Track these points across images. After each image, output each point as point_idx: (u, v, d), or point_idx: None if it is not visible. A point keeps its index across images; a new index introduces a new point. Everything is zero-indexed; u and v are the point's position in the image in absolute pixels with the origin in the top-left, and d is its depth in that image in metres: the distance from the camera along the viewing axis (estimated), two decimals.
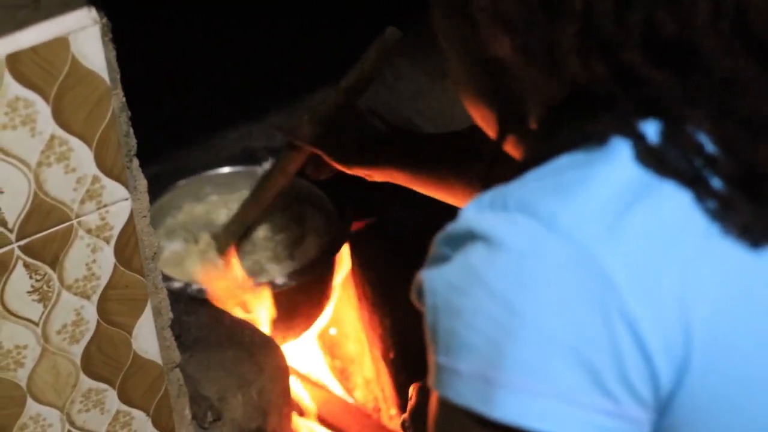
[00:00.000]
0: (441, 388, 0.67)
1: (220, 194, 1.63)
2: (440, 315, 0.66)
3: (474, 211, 0.66)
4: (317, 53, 1.72)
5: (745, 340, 0.65)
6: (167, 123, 1.46)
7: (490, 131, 0.79)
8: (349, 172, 1.31)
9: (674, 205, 0.65)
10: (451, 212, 0.69)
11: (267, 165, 1.65)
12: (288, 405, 1.41)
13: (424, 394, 0.98)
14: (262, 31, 1.69)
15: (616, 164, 0.65)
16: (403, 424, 1.02)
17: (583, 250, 0.62)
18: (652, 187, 0.65)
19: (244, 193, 1.57)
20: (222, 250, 1.52)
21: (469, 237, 0.65)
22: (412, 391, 0.97)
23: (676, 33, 0.66)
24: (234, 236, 1.53)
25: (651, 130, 0.67)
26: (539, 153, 0.69)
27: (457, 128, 1.27)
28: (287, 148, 1.41)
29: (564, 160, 0.67)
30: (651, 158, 0.65)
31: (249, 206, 1.51)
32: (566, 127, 0.69)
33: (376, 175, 1.30)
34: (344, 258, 1.66)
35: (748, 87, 0.67)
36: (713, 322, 0.64)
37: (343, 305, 1.74)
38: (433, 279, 0.67)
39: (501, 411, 0.63)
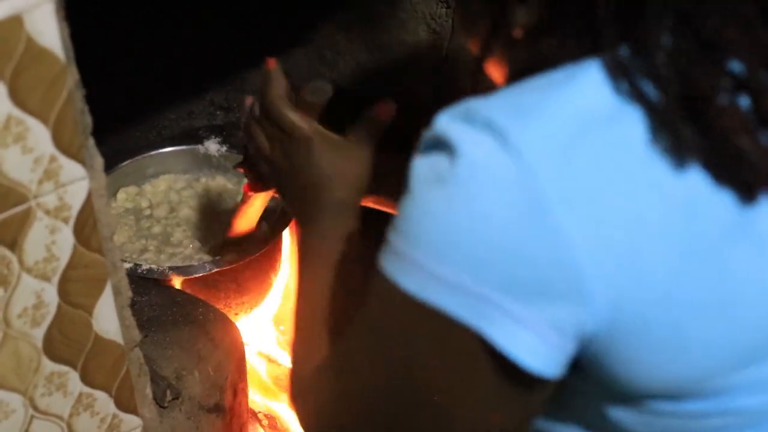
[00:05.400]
0: (383, 261, 0.74)
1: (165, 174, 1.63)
2: (407, 199, 0.72)
3: (447, 119, 0.71)
4: (255, 30, 1.72)
5: (679, 261, 0.68)
6: (106, 104, 1.44)
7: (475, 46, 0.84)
8: None
9: (626, 132, 0.68)
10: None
11: (209, 143, 1.65)
12: (244, 380, 1.42)
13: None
14: (200, 8, 1.67)
15: (580, 88, 0.69)
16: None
17: (527, 170, 0.66)
18: (609, 115, 0.68)
19: (189, 175, 1.57)
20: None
21: (439, 142, 0.70)
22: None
23: None
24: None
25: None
26: (516, 70, 0.75)
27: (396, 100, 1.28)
28: None
29: (534, 82, 0.71)
30: (618, 72, 0.69)
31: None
32: (537, 48, 0.74)
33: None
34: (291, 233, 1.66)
35: (713, 8, 0.69)
36: (647, 245, 0.67)
37: (290, 281, 1.75)
38: (415, 167, 0.72)
39: (408, 284, 0.72)
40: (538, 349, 0.69)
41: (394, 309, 0.75)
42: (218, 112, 1.71)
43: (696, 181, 0.68)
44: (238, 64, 1.70)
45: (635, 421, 0.78)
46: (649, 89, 0.68)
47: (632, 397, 0.76)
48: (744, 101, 0.69)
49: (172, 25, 1.64)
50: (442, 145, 0.70)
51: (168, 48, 1.65)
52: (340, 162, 1.08)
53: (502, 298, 0.68)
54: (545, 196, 0.66)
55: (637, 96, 0.68)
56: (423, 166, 0.71)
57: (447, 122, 0.70)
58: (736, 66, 0.69)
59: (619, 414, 0.78)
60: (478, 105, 0.70)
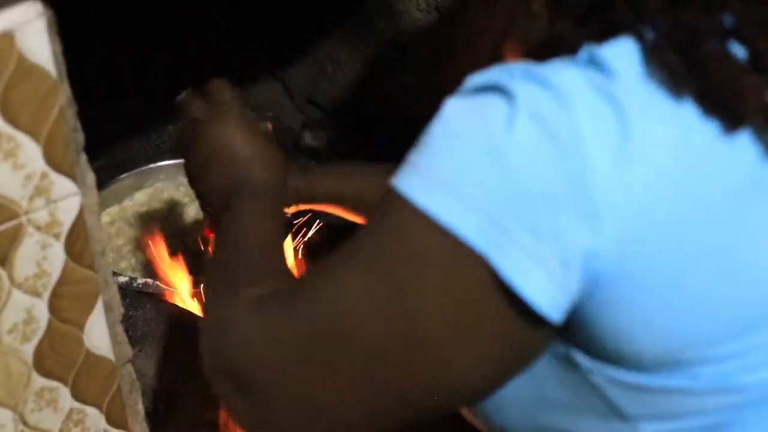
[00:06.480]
0: (401, 180, 0.73)
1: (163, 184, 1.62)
2: (440, 123, 0.73)
3: (488, 74, 0.72)
4: (256, 45, 1.72)
5: (692, 211, 0.69)
6: (104, 118, 1.44)
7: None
8: None
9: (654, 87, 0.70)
10: None
11: None
12: None
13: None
14: (200, 23, 1.68)
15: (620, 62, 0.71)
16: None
17: (567, 108, 0.68)
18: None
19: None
20: None
21: (487, 87, 0.72)
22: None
23: None
24: None
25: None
26: (532, 53, 0.76)
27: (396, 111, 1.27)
28: None
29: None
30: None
31: None
32: (551, 31, 0.76)
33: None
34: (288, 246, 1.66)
35: None
36: (663, 190, 0.69)
37: None
38: (452, 101, 0.73)
39: (428, 202, 0.70)
40: (545, 285, 0.69)
41: (394, 237, 0.73)
42: None
43: (713, 134, 0.70)
44: (238, 78, 1.70)
45: (623, 398, 0.77)
46: (649, 35, 0.71)
47: (622, 366, 0.75)
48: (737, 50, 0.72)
49: (172, 39, 1.64)
50: (490, 89, 0.71)
51: (167, 61, 1.65)
52: (261, 142, 1.07)
53: (518, 228, 0.68)
54: (580, 132, 0.68)
55: (636, 38, 0.70)
56: (465, 99, 0.72)
57: (490, 75, 0.72)
58: (728, 21, 0.72)
59: (609, 392, 0.77)
60: (512, 65, 0.72)
